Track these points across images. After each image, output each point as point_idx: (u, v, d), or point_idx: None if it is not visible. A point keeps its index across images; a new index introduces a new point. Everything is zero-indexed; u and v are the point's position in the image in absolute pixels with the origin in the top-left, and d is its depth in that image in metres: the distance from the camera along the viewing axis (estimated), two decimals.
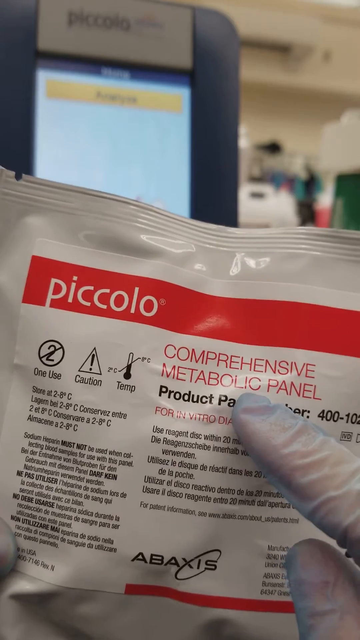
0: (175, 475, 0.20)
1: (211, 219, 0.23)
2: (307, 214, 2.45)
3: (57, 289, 0.21)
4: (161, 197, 0.46)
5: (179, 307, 0.21)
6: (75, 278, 0.21)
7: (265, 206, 1.66)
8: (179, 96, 0.47)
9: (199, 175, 0.46)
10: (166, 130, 0.47)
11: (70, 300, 0.21)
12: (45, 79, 0.44)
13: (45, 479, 0.20)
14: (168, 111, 0.47)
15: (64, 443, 0.20)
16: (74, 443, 0.20)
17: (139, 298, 0.21)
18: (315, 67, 3.50)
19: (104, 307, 0.21)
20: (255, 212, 1.57)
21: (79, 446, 0.20)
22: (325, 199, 2.65)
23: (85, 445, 0.20)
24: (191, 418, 0.20)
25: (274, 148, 3.62)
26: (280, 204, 1.72)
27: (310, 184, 3.39)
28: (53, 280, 0.21)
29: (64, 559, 0.20)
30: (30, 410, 0.21)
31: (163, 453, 0.20)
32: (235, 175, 0.47)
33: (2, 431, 0.21)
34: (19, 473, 0.20)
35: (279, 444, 0.18)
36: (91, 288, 0.21)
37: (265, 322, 0.21)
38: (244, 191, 1.60)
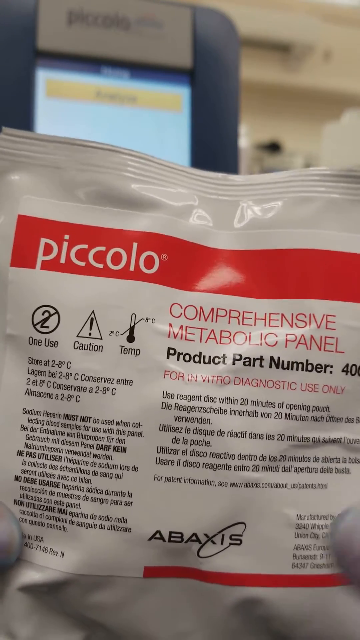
0: (191, 444, 0.19)
1: None
2: None
3: (48, 249, 0.19)
4: None
5: (182, 263, 0.20)
6: (67, 237, 0.19)
7: None
8: (179, 95, 0.47)
9: None
10: (166, 130, 0.46)
11: (62, 260, 0.19)
12: (45, 78, 0.44)
13: (49, 457, 0.19)
14: (168, 110, 0.47)
15: (66, 416, 0.19)
16: (77, 416, 0.19)
17: (138, 254, 0.19)
18: (315, 67, 3.49)
19: (100, 266, 0.19)
20: None
21: (82, 418, 0.19)
22: None
23: (90, 417, 0.19)
24: (204, 380, 0.19)
25: (274, 148, 3.61)
26: None
27: None
28: (43, 240, 0.19)
29: (74, 543, 0.19)
30: (27, 383, 0.19)
31: (175, 420, 0.19)
32: (236, 174, 0.47)
33: None
34: (20, 453, 0.19)
35: None
36: (85, 247, 0.19)
37: (277, 273, 0.20)
38: None
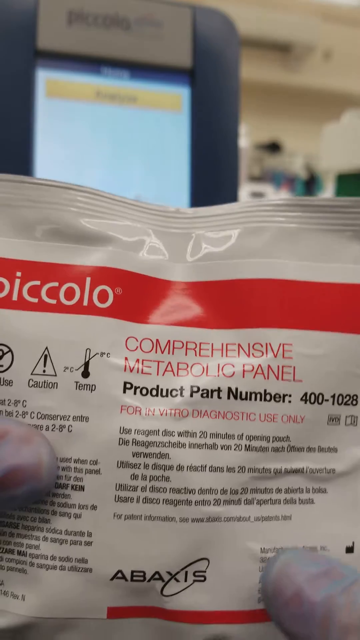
0: (150, 480, 0.18)
1: None
2: None
3: (0, 287, 0.19)
4: (161, 196, 0.46)
5: (137, 296, 0.20)
6: (19, 274, 0.19)
7: None
8: (179, 95, 0.47)
9: (199, 175, 0.46)
10: (166, 130, 0.46)
11: (15, 298, 0.19)
12: (45, 78, 0.44)
13: None
14: (168, 110, 0.47)
15: None
16: None
17: (92, 289, 0.19)
18: (315, 67, 3.49)
19: (54, 302, 0.19)
20: None
21: None
22: None
23: None
24: (161, 414, 0.19)
25: (274, 148, 3.61)
26: None
27: (310, 184, 3.39)
28: None
29: (35, 586, 0.18)
30: None
31: (133, 456, 0.18)
32: (236, 174, 0.47)
33: None
34: None
35: None
36: (38, 283, 0.19)
37: (233, 303, 0.20)
38: (244, 191, 1.61)
